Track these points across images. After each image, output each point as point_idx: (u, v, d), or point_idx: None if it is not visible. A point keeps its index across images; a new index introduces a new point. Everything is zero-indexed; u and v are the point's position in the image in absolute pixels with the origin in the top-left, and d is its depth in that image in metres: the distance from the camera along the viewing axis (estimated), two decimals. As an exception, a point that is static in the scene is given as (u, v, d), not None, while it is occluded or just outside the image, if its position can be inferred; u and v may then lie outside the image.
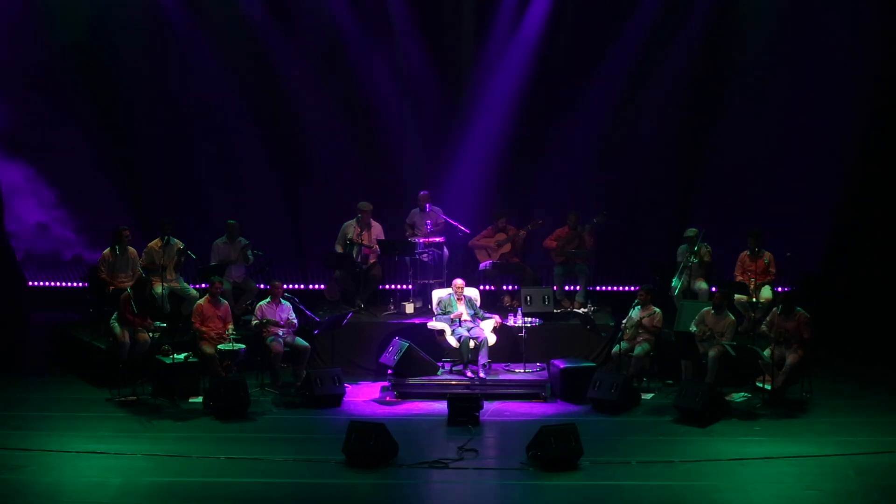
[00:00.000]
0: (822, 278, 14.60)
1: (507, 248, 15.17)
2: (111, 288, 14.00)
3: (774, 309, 13.14)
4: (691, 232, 14.49)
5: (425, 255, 15.03)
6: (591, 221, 14.98)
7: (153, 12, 16.02)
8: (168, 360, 12.99)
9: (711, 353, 12.99)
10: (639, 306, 13.43)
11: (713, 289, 14.28)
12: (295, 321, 13.63)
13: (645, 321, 13.33)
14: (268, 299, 13.63)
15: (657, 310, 13.43)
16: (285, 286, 14.10)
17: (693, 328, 13.22)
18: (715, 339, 13.01)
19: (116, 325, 13.22)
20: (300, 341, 13.64)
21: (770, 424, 12.25)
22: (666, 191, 16.11)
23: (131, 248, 14.24)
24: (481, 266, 15.18)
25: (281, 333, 13.46)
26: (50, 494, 10.03)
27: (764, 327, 13.09)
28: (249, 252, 14.51)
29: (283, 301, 13.67)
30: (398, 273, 15.50)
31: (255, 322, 13.55)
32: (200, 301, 13.60)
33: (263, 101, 16.51)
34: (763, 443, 11.65)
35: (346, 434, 10.73)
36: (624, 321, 13.46)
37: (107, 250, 14.16)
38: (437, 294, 14.32)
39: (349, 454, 10.68)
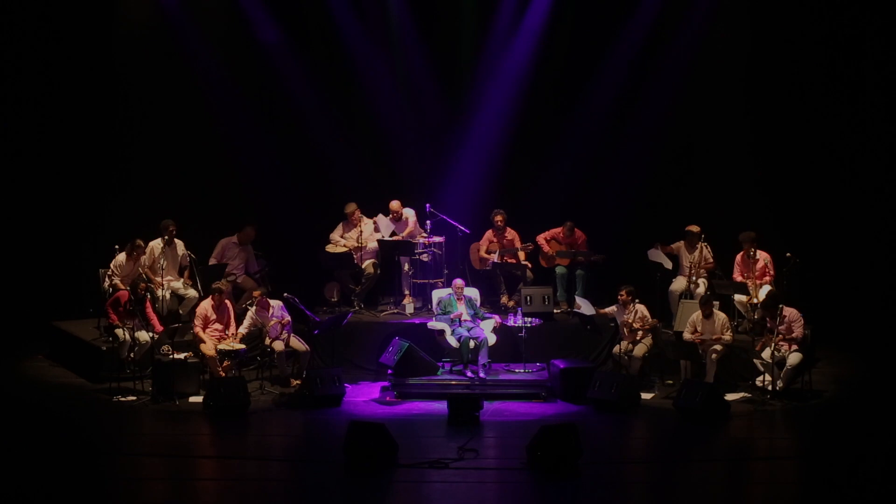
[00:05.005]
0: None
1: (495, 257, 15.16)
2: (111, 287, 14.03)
3: (758, 314, 13.20)
4: (693, 229, 14.50)
5: (425, 255, 15.04)
6: (587, 256, 14.95)
7: (153, 13, 16.05)
8: (168, 360, 13.01)
9: (710, 354, 13.01)
10: (621, 307, 13.51)
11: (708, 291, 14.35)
12: (288, 318, 13.62)
13: (633, 321, 13.32)
14: (254, 306, 13.63)
15: (638, 307, 13.41)
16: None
17: (686, 334, 13.25)
18: (710, 342, 13.05)
19: (118, 325, 13.28)
20: (299, 342, 13.65)
21: (770, 424, 12.28)
22: (666, 192, 16.10)
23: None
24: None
25: (279, 329, 13.46)
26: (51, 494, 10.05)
27: (755, 341, 13.13)
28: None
29: (272, 302, 13.67)
30: (396, 273, 15.47)
31: (251, 329, 13.57)
32: (204, 302, 13.60)
33: (262, 101, 16.51)
34: (762, 441, 11.68)
35: (346, 434, 10.72)
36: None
37: (121, 255, 14.14)
38: (437, 294, 14.33)
39: (349, 454, 10.67)
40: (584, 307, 14.03)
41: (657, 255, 14.53)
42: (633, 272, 14.47)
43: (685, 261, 14.62)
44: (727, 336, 13.07)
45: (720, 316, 13.23)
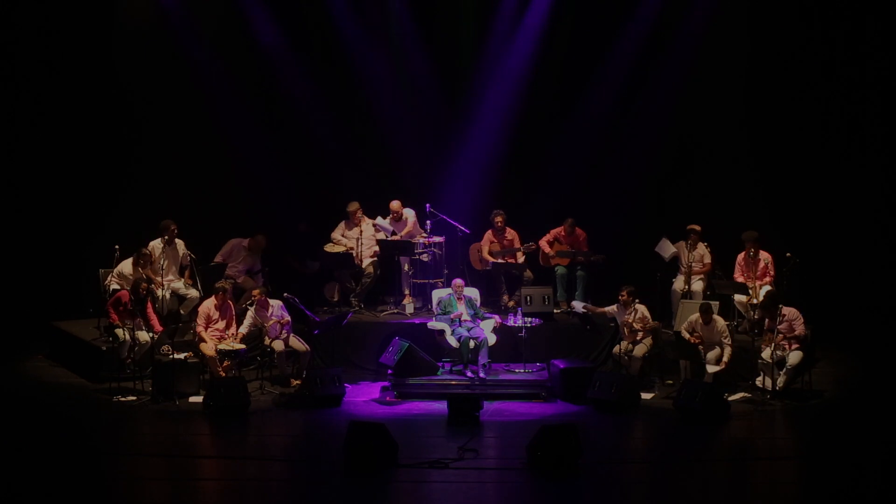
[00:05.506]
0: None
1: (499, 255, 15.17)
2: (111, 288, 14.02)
3: (757, 314, 13.20)
4: (695, 228, 14.49)
5: (425, 255, 15.03)
6: (587, 257, 14.94)
7: (154, 14, 16.06)
8: (168, 360, 13.01)
9: (709, 357, 13.01)
10: (622, 308, 13.50)
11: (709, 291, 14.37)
12: (288, 318, 13.62)
13: (634, 322, 13.31)
14: (254, 306, 13.64)
15: (639, 308, 13.40)
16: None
17: (684, 332, 13.23)
18: (707, 346, 13.05)
19: (118, 325, 13.29)
20: (299, 342, 13.64)
21: (770, 424, 12.28)
22: (666, 192, 16.10)
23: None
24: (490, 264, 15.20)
25: (278, 329, 13.46)
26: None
27: (757, 341, 13.11)
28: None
29: (271, 301, 13.68)
30: (396, 273, 15.47)
31: (251, 329, 13.57)
32: (207, 301, 13.60)
33: (262, 102, 16.52)
34: (762, 441, 11.68)
35: (347, 434, 10.72)
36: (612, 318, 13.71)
37: (127, 264, 14.10)
38: (437, 294, 14.33)
39: (349, 454, 10.67)
40: (577, 307, 14.07)
41: (664, 245, 14.51)
42: (634, 272, 14.47)
43: (686, 260, 14.61)
44: (727, 345, 13.00)
45: (719, 323, 13.14)
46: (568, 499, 10.02)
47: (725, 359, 12.93)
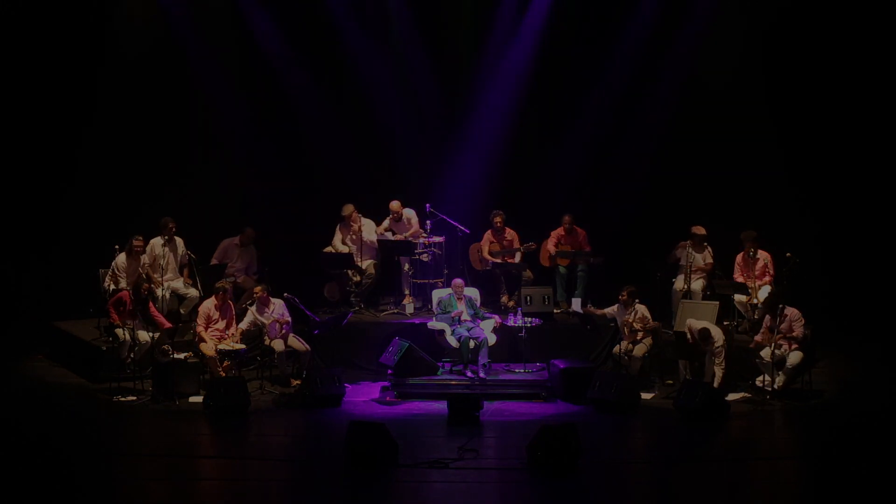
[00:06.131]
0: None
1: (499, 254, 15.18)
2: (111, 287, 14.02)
3: (758, 314, 13.20)
4: (699, 231, 14.48)
5: (425, 254, 15.04)
6: (587, 259, 14.94)
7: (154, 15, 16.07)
8: (168, 360, 13.00)
9: (707, 359, 13.02)
10: (622, 308, 13.49)
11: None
12: (288, 318, 13.62)
13: (634, 322, 13.31)
14: (255, 304, 13.64)
15: (639, 308, 13.40)
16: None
17: (686, 331, 13.22)
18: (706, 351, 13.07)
19: (118, 325, 13.28)
20: (299, 342, 13.64)
21: (770, 424, 12.28)
22: (666, 193, 16.09)
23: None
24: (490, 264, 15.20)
25: (278, 329, 13.46)
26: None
27: (758, 338, 13.08)
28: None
29: (273, 300, 13.68)
30: (396, 273, 15.47)
31: (251, 327, 13.57)
32: (207, 301, 13.60)
33: (262, 102, 16.52)
34: (762, 441, 11.69)
35: (347, 434, 10.72)
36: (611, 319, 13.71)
37: (121, 256, 14.10)
38: (437, 294, 14.34)
39: (349, 454, 10.67)
40: (574, 306, 14.13)
41: (684, 253, 14.52)
42: (634, 272, 14.47)
43: (686, 260, 14.60)
44: (718, 365, 12.95)
45: (717, 342, 13.05)
46: (568, 499, 10.01)
47: (717, 383, 12.89)
